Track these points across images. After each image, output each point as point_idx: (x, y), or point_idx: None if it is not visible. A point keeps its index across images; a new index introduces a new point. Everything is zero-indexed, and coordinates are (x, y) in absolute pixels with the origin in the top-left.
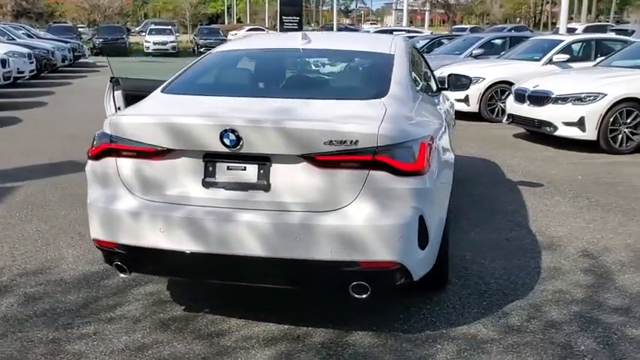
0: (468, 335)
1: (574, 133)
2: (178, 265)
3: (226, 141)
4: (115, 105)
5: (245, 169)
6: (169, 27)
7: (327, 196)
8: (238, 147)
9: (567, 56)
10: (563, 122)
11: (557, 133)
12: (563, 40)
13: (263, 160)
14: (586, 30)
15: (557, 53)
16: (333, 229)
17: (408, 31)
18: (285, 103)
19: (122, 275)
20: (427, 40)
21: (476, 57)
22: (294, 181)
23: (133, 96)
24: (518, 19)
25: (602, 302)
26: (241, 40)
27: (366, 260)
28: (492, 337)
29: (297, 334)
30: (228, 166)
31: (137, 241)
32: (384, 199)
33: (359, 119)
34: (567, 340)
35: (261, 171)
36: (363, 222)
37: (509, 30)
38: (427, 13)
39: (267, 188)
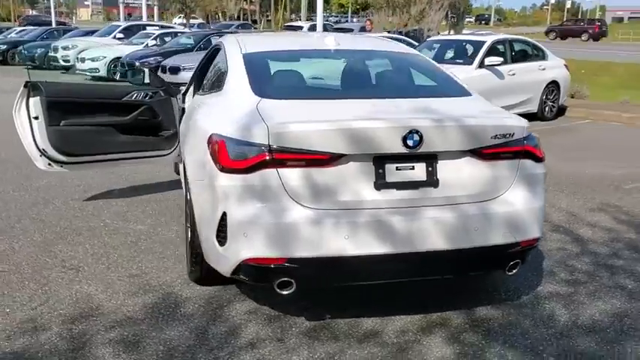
0: (554, 293)
1: None
2: (362, 270)
3: (410, 142)
4: (29, 114)
5: (413, 168)
6: None
7: (488, 186)
8: (418, 147)
9: None
10: None
11: None
12: None
13: (430, 158)
14: (310, 28)
15: None
16: (501, 215)
17: (162, 27)
18: (413, 103)
19: (284, 292)
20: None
21: None
22: (458, 174)
23: (58, 103)
24: (218, 15)
25: (596, 252)
26: (262, 42)
27: (525, 239)
28: (572, 291)
29: (437, 321)
30: (397, 167)
31: (318, 252)
32: (530, 184)
33: (505, 113)
34: (616, 282)
35: (430, 168)
36: (521, 206)
37: (237, 27)
38: (156, 7)
39: (436, 184)
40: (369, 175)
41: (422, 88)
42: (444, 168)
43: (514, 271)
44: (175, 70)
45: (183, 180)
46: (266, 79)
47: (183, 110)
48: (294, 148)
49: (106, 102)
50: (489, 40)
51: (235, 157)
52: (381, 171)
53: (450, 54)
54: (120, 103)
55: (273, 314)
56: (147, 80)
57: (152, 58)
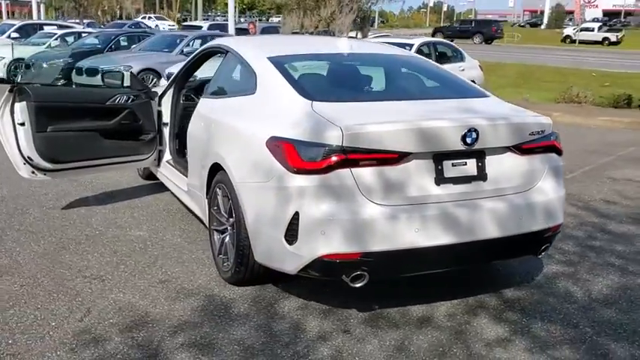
0: (559, 273)
1: None
2: (430, 259)
3: (468, 140)
4: (14, 120)
5: (466, 163)
6: None
7: (525, 178)
8: (474, 144)
9: (195, 48)
10: None
11: None
12: (187, 36)
13: (480, 154)
14: (210, 28)
15: (186, 46)
16: (539, 203)
17: (61, 26)
18: (454, 103)
19: (357, 285)
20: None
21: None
22: (502, 168)
23: (45, 108)
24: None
25: (574, 235)
26: (277, 45)
27: (554, 225)
28: (573, 270)
29: (475, 304)
30: (452, 163)
31: (392, 245)
32: (555, 175)
33: (532, 112)
34: (605, 260)
35: (479, 164)
36: (552, 195)
37: (130, 26)
38: (42, 5)
39: (485, 178)
40: (430, 172)
41: (450, 89)
42: (490, 163)
43: (543, 254)
44: (93, 72)
45: (181, 186)
46: (307, 82)
47: (159, 113)
48: (366, 148)
49: (91, 106)
50: (417, 42)
51: (309, 158)
52: (440, 167)
53: None
54: (104, 107)
55: (324, 308)
56: (127, 83)
57: (61, 60)
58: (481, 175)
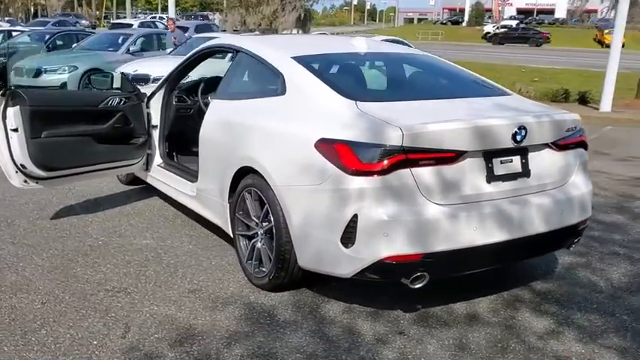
0: (574, 264)
1: None
2: (486, 257)
3: (518, 137)
4: (6, 127)
5: (512, 161)
6: None
7: (561, 173)
8: (522, 142)
9: (140, 47)
10: None
11: None
12: (132, 34)
13: (524, 151)
14: (141, 25)
15: (131, 45)
16: (576, 197)
17: None
18: (493, 101)
19: (416, 286)
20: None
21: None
22: (542, 164)
23: (40, 112)
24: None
25: None
26: (293, 44)
27: (585, 218)
28: (586, 261)
29: (511, 299)
30: (500, 161)
31: (453, 244)
32: (584, 169)
33: (558, 109)
34: (610, 250)
35: (523, 160)
36: (584, 188)
37: (54, 24)
38: None
39: (528, 174)
40: (482, 170)
41: (475, 88)
42: (532, 159)
43: (573, 247)
44: (36, 73)
45: (185, 190)
46: (340, 82)
47: (148, 115)
48: (425, 147)
49: (84, 109)
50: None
51: (368, 159)
52: (490, 165)
53: None
54: (97, 111)
55: (370, 310)
56: (116, 84)
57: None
58: (525, 172)
